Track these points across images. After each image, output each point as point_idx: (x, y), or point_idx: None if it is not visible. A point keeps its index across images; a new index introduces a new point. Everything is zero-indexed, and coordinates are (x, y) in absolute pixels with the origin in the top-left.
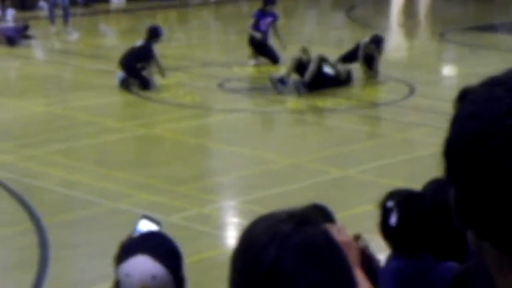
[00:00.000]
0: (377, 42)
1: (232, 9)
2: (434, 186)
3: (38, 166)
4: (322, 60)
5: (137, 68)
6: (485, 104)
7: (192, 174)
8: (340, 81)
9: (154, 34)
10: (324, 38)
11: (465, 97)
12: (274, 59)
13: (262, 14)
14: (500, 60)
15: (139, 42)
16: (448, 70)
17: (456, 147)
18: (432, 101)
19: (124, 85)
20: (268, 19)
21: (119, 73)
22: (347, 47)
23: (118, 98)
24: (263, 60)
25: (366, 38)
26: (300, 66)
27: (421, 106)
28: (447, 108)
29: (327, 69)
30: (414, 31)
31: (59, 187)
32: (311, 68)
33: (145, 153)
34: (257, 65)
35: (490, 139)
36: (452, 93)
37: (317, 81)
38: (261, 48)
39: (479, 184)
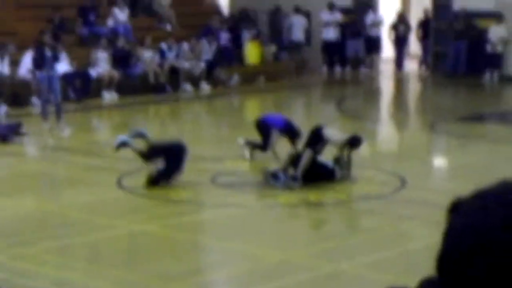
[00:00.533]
0: (354, 144)
1: (224, 103)
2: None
3: (30, 265)
4: (316, 153)
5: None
6: (478, 217)
7: (184, 271)
8: (334, 174)
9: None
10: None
11: (458, 208)
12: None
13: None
14: (489, 150)
15: None
16: (438, 162)
17: (450, 261)
18: (423, 193)
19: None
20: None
21: (122, 136)
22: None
23: (110, 195)
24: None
25: (341, 136)
26: (296, 160)
27: (413, 199)
28: (439, 200)
29: (322, 161)
30: (404, 123)
31: (51, 286)
32: (303, 162)
33: (137, 250)
34: (249, 159)
35: (485, 253)
36: (443, 185)
37: (311, 174)
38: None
39: None
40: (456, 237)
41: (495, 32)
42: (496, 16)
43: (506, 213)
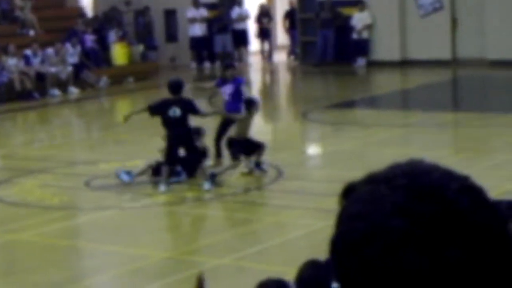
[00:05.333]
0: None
1: (93, 105)
2: (311, 271)
3: None
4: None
5: None
6: (370, 203)
7: (66, 277)
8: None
9: None
10: None
11: (350, 193)
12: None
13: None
14: (363, 135)
15: None
16: (313, 150)
17: (342, 246)
18: (300, 183)
19: None
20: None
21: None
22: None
23: None
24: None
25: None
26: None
27: (290, 188)
28: (316, 188)
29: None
30: (277, 113)
31: None
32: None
33: (14, 260)
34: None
35: (376, 239)
36: (319, 173)
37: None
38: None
39: (364, 284)
40: (349, 223)
41: (359, 19)
42: (359, 4)
43: (395, 199)
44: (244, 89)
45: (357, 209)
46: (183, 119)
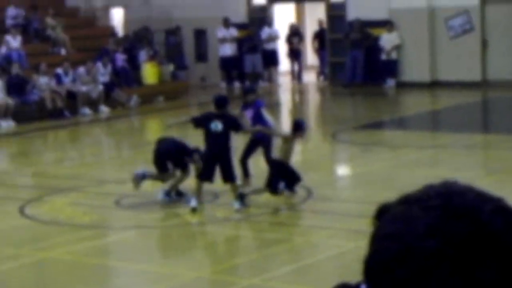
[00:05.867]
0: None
1: (124, 124)
2: None
3: None
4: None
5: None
6: (403, 223)
7: None
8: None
9: None
10: None
11: (383, 214)
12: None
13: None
14: (392, 156)
15: None
16: (342, 171)
17: (376, 266)
18: (329, 203)
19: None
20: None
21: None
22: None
23: (14, 224)
24: None
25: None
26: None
27: (320, 209)
28: (345, 210)
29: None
30: (307, 134)
31: None
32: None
33: (44, 278)
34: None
35: (409, 260)
36: (348, 194)
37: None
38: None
39: None
40: (382, 243)
41: (388, 40)
42: (387, 24)
43: (429, 220)
44: (264, 112)
45: (390, 230)
46: (224, 135)
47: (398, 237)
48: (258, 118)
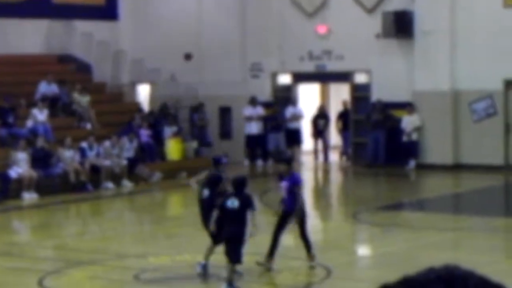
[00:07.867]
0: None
1: (146, 199)
2: None
3: None
4: None
5: None
6: None
7: None
8: None
9: None
10: None
11: None
12: None
13: None
14: (412, 238)
15: None
16: (362, 251)
17: None
18: (348, 283)
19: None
20: None
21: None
22: (261, 231)
23: None
24: None
25: None
26: None
27: None
28: None
29: None
30: (328, 213)
31: None
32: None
33: None
34: (173, 255)
35: None
36: (367, 274)
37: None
38: None
39: None
40: None
41: (408, 122)
42: (408, 106)
43: None
44: (298, 190)
45: None
46: (240, 213)
47: None
48: (292, 193)
